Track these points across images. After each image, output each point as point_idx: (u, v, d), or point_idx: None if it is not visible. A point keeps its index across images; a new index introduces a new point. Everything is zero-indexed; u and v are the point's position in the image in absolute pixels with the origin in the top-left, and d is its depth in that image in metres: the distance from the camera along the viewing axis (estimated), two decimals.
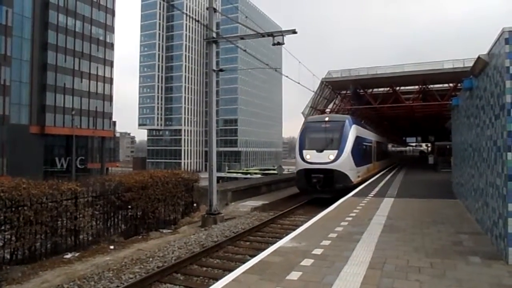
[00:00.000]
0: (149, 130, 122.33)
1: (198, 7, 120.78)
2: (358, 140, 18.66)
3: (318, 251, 6.16)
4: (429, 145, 66.70)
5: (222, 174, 61.95)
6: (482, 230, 7.48)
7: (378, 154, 27.22)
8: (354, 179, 17.25)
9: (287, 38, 13.71)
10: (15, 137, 47.38)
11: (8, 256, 8.50)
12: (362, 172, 19.57)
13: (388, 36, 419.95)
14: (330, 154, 16.75)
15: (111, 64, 68.18)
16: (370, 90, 33.62)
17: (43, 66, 55.87)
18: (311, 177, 16.51)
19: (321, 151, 16.92)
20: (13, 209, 8.36)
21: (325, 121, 18.63)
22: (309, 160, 16.97)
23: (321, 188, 16.35)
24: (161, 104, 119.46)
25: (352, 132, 17.81)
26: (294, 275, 5.01)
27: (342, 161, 16.60)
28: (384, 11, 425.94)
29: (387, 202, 11.74)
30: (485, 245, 6.44)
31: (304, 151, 17.36)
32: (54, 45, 57.18)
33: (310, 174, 16.64)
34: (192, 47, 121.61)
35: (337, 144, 17.04)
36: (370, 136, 23.77)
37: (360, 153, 19.27)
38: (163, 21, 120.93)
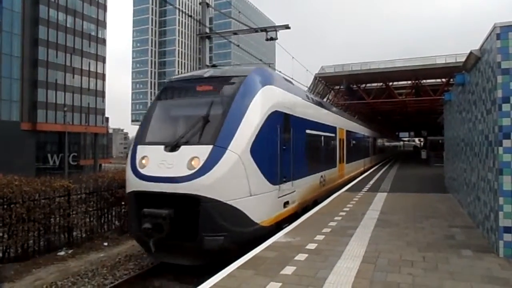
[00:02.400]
0: None
1: (191, 2, 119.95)
2: (283, 120, 8.54)
3: (312, 246, 6.19)
4: (422, 139, 67.31)
5: None
6: (474, 224, 7.57)
7: (352, 151, 18.81)
8: (264, 215, 7.43)
9: (281, 33, 13.73)
10: (6, 134, 46.84)
11: (1, 254, 8.44)
12: (305, 189, 10.15)
13: (387, 34, 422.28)
14: (193, 156, 6.92)
15: (103, 60, 67.61)
16: (364, 85, 33.80)
17: (34, 62, 55.22)
18: (144, 214, 6.82)
19: (175, 147, 7.16)
20: (5, 206, 8.29)
21: (203, 79, 8.36)
22: (143, 172, 7.21)
23: (166, 241, 6.78)
24: None
25: (262, 101, 7.77)
26: (289, 270, 5.04)
27: (226, 171, 6.82)
28: (383, 9, 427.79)
29: (381, 197, 11.81)
30: (477, 238, 6.53)
31: (139, 148, 7.68)
32: (45, 41, 56.52)
33: (144, 206, 6.97)
34: (185, 43, 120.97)
35: (215, 130, 7.15)
36: (327, 118, 13.55)
37: (296, 151, 9.25)
38: (155, 16, 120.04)
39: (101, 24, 67.22)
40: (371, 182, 16.33)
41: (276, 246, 6.29)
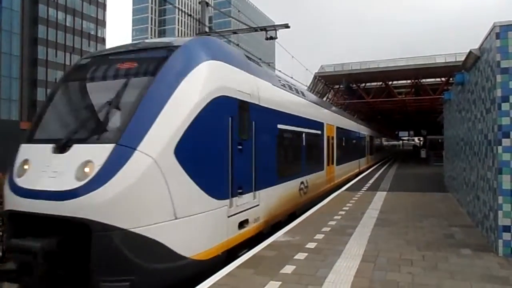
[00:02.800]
0: None
1: (191, 1, 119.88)
2: (239, 109, 6.27)
3: (311, 245, 6.19)
4: (421, 139, 67.37)
5: None
6: (473, 223, 7.58)
7: (345, 150, 16.87)
8: (200, 245, 5.18)
9: (280, 33, 13.74)
10: (5, 132, 46.57)
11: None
12: (277, 201, 8.01)
13: (387, 34, 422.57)
14: (86, 159, 4.59)
15: None
16: (363, 84, 33.84)
17: (33, 61, 55.25)
18: (10, 248, 4.96)
19: (65, 147, 4.83)
20: None
21: (124, 52, 6.11)
22: (20, 182, 4.92)
23: (45, 285, 4.54)
24: None
25: (201, 81, 5.46)
26: (288, 269, 5.04)
27: (132, 183, 4.48)
28: (383, 8, 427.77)
29: (380, 196, 11.82)
30: (476, 238, 6.54)
31: (22, 149, 5.40)
32: (45, 40, 56.55)
33: (22, 232, 4.81)
34: None
35: (122, 123, 4.93)
36: (310, 112, 11.51)
37: (261, 151, 7.11)
38: (155, 15, 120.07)
39: (100, 23, 67.21)
40: (370, 181, 16.35)
41: (276, 245, 6.29)
